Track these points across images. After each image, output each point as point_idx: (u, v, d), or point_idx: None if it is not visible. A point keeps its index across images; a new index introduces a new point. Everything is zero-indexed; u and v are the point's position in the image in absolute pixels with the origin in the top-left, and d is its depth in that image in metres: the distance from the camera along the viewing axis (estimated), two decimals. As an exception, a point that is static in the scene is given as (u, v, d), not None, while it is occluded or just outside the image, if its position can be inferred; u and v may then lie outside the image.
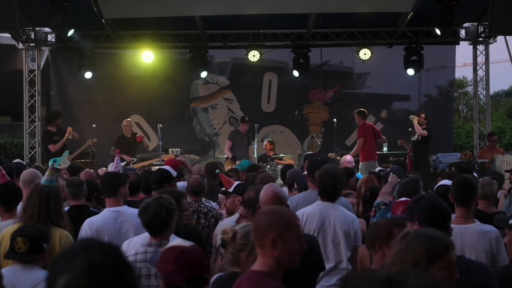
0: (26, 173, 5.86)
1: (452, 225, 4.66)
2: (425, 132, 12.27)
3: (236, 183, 5.69)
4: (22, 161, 10.19)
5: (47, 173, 4.79)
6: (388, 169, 8.19)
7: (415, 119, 12.38)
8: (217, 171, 6.51)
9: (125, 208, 5.16)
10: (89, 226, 5.02)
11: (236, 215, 5.36)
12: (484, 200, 5.60)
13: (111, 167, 5.56)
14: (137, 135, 13.01)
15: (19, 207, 5.00)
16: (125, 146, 12.56)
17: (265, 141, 13.46)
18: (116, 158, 5.54)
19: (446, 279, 2.68)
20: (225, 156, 13.25)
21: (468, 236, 4.57)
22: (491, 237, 4.58)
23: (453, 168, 9.11)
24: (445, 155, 13.61)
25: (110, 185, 5.25)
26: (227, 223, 5.27)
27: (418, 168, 11.68)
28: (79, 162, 11.96)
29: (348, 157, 11.08)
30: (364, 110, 12.98)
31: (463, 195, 4.68)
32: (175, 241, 3.27)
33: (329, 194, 5.18)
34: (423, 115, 12.60)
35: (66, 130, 12.35)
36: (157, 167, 10.08)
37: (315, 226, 5.07)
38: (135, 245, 4.23)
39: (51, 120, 12.66)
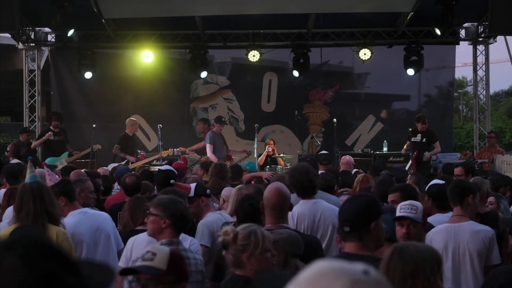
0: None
1: (446, 224, 4.78)
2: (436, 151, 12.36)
3: (193, 185, 5.66)
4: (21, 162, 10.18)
5: (28, 171, 4.62)
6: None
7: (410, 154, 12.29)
8: (171, 181, 6.24)
9: None
10: None
11: (212, 215, 5.36)
12: None
13: (48, 180, 5.16)
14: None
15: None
16: (128, 145, 12.67)
17: (268, 141, 13.43)
18: (46, 169, 5.45)
19: None
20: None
21: (461, 234, 4.69)
22: (484, 237, 4.68)
23: (462, 167, 8.99)
24: (445, 155, 13.56)
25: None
26: (206, 223, 5.25)
27: (421, 168, 11.61)
28: (79, 161, 12.01)
29: (347, 158, 10.33)
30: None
31: (453, 195, 4.86)
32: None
33: (307, 190, 5.15)
34: (419, 123, 12.52)
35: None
36: (157, 167, 10.11)
37: (307, 224, 5.05)
38: (142, 242, 4.21)
39: (48, 121, 13.07)
